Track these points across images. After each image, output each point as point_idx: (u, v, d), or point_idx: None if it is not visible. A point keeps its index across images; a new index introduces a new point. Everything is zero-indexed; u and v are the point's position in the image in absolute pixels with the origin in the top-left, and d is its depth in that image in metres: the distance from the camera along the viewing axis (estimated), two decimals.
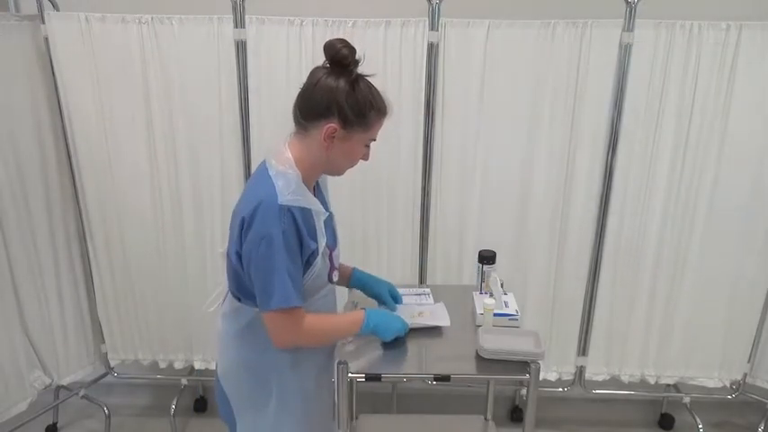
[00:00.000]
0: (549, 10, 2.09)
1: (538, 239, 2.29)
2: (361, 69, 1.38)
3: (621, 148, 2.15)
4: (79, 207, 2.32)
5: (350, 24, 2.05)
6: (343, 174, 1.51)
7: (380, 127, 1.43)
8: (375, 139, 1.45)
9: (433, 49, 2.06)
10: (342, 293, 2.29)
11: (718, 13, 2.03)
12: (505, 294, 1.79)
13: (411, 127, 2.17)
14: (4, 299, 2.19)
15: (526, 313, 2.28)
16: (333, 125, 1.35)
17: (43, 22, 2.09)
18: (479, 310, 1.73)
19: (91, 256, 2.38)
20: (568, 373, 2.48)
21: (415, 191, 2.25)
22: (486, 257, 1.84)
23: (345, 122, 1.35)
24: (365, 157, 1.47)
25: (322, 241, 1.42)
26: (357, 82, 1.35)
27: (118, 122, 2.20)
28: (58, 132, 2.24)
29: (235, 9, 2.02)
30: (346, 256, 2.31)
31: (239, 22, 2.04)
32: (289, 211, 1.32)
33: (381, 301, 1.73)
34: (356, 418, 2.15)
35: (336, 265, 1.57)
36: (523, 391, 2.61)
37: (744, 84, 2.06)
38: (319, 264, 1.43)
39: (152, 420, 2.64)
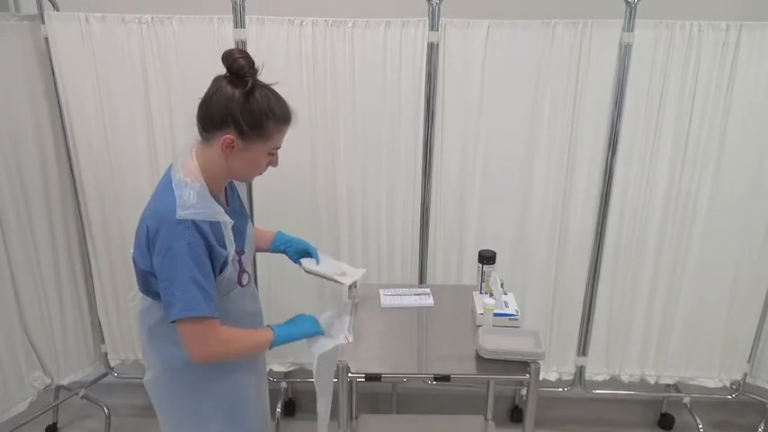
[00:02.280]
0: (549, 10, 2.09)
1: (538, 239, 2.29)
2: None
3: (621, 148, 2.15)
4: (79, 207, 2.32)
5: (350, 24, 2.05)
6: (250, 181, 1.53)
7: (283, 135, 1.43)
8: (279, 147, 1.44)
9: (433, 49, 2.06)
10: (339, 290, 2.30)
11: (718, 13, 2.03)
12: (505, 294, 1.80)
13: (411, 127, 2.17)
14: (4, 299, 2.19)
15: (526, 313, 2.28)
16: (230, 136, 1.34)
17: (43, 22, 2.09)
18: (479, 310, 1.73)
19: (91, 256, 2.38)
20: (568, 373, 2.48)
21: (415, 191, 2.25)
22: (486, 257, 1.85)
23: (242, 133, 1.35)
24: (272, 164, 1.47)
25: (231, 249, 1.43)
26: (252, 92, 1.34)
27: (118, 122, 2.20)
28: (57, 132, 2.24)
29: (235, 9, 2.02)
30: (346, 256, 2.33)
31: (239, 22, 2.03)
32: (193, 223, 1.32)
33: (308, 255, 1.78)
34: (356, 418, 2.15)
35: (246, 268, 1.56)
36: (523, 391, 2.61)
37: (743, 83, 2.05)
38: (230, 269, 1.44)
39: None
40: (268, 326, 1.52)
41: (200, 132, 1.40)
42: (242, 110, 1.33)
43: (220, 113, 1.33)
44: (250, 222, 1.62)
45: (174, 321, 1.35)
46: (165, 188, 1.38)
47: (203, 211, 1.35)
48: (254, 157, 1.40)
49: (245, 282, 1.53)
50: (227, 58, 1.33)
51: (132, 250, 1.47)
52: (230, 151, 1.37)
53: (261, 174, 1.50)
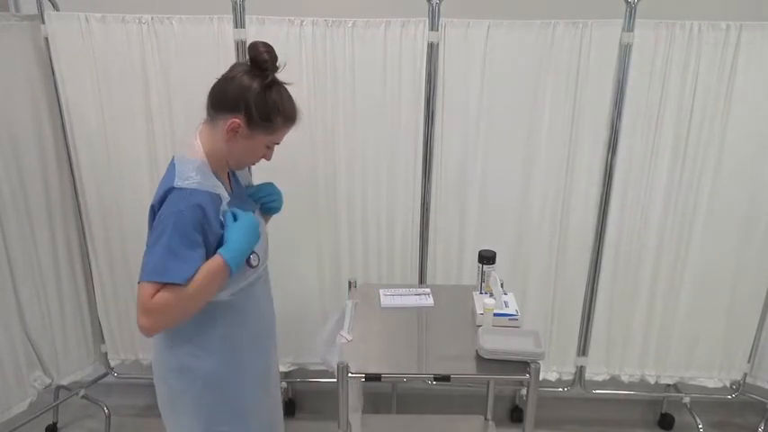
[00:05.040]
0: (549, 10, 2.09)
1: (538, 239, 2.29)
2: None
3: (621, 148, 2.15)
4: (79, 207, 2.32)
5: (350, 24, 2.05)
6: (242, 169, 1.58)
7: (286, 133, 1.48)
8: (278, 143, 1.49)
9: (433, 50, 2.06)
10: (339, 289, 2.31)
11: (718, 13, 2.04)
12: (505, 294, 1.80)
13: (411, 127, 2.17)
14: (4, 299, 2.19)
15: (526, 313, 2.28)
16: (237, 120, 1.38)
17: (43, 22, 2.09)
18: (479, 310, 1.73)
19: (91, 256, 2.38)
20: (568, 373, 2.48)
21: (415, 190, 2.25)
22: (486, 257, 1.85)
23: (250, 122, 1.39)
24: (266, 157, 1.51)
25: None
26: (270, 87, 1.39)
27: (118, 122, 2.20)
28: (57, 132, 2.24)
29: (235, 9, 2.02)
30: (347, 256, 2.33)
31: (239, 22, 2.04)
32: (191, 193, 1.34)
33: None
34: None
35: (255, 249, 1.51)
36: (523, 391, 2.61)
37: (744, 84, 2.05)
38: None
39: (152, 420, 2.62)
40: (217, 253, 1.40)
41: (208, 111, 1.43)
42: (257, 100, 1.37)
43: (234, 98, 1.38)
44: (258, 211, 1.63)
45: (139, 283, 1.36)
46: (170, 169, 1.42)
47: (201, 181, 1.38)
48: (254, 145, 1.45)
49: (254, 263, 1.51)
50: (253, 48, 1.39)
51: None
52: (233, 135, 1.40)
53: (253, 164, 1.56)
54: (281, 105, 1.41)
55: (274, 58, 1.39)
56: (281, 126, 1.44)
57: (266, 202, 1.67)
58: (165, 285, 1.33)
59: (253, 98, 1.37)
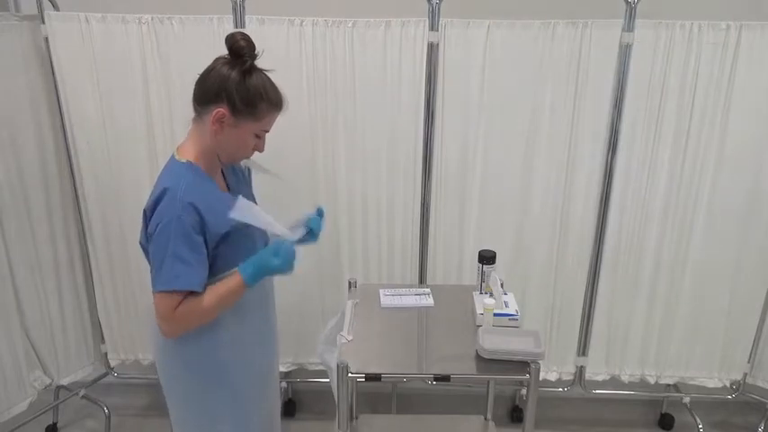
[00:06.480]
0: (549, 10, 2.09)
1: (538, 239, 2.29)
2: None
3: (621, 148, 2.15)
4: (79, 207, 2.32)
5: (350, 24, 2.05)
6: (237, 162, 1.57)
7: (273, 120, 1.48)
8: (267, 131, 1.49)
9: (432, 50, 2.06)
10: (339, 289, 2.30)
11: (718, 13, 2.03)
12: (505, 294, 1.80)
13: (411, 127, 2.17)
14: (4, 299, 2.19)
15: (526, 313, 2.28)
16: (221, 110, 1.39)
17: (43, 22, 2.09)
18: (479, 310, 1.73)
19: (91, 256, 2.38)
20: (568, 373, 2.48)
21: (415, 191, 2.25)
22: (486, 257, 1.85)
23: (234, 109, 1.39)
24: (258, 148, 1.51)
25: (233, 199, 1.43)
26: (250, 73, 1.40)
27: (118, 122, 2.20)
28: (57, 132, 2.24)
29: (235, 9, 2.02)
30: (347, 256, 2.33)
31: (239, 22, 2.03)
32: (184, 195, 1.35)
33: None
34: (356, 418, 2.15)
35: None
36: (523, 391, 2.61)
37: (743, 84, 2.05)
38: (243, 232, 1.45)
39: (152, 420, 2.64)
40: (235, 270, 1.44)
41: (194, 108, 1.44)
42: (238, 87, 1.38)
43: (215, 88, 1.38)
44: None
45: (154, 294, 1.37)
46: (168, 168, 1.43)
47: (191, 182, 1.39)
48: (242, 134, 1.44)
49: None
50: (230, 39, 1.40)
51: (139, 238, 1.49)
52: (220, 126, 1.41)
53: (247, 157, 1.54)
54: (264, 90, 1.40)
55: (252, 45, 1.40)
56: (266, 111, 1.43)
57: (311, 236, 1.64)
58: (186, 297, 1.36)
59: (233, 85, 1.37)
